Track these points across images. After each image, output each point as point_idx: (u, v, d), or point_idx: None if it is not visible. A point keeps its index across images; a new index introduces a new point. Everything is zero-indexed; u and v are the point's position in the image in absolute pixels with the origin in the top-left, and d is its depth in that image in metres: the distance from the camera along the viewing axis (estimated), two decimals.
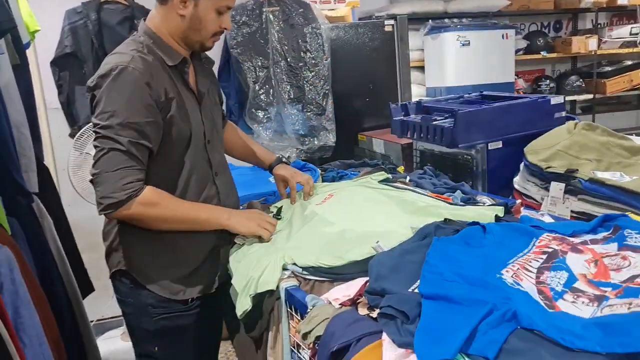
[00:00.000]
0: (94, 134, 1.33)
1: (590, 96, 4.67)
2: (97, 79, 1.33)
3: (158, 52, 1.41)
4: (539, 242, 1.04)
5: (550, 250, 1.00)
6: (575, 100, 4.73)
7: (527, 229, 1.11)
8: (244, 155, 1.87)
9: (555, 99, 2.05)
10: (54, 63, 2.64)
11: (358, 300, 1.04)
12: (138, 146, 1.31)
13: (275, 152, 2.68)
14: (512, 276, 0.94)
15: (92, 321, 3.05)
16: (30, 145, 1.72)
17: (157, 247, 1.45)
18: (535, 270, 0.95)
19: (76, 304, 1.89)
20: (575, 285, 0.89)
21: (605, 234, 1.05)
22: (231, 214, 1.46)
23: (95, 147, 1.31)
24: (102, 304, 2.59)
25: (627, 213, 1.07)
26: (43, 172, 1.88)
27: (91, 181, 1.33)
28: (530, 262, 0.99)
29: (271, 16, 2.80)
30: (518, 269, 0.96)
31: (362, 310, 1.01)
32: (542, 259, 0.99)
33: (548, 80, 4.64)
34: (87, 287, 2.11)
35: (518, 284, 0.92)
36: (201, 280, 1.51)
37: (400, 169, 2.19)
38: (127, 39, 1.47)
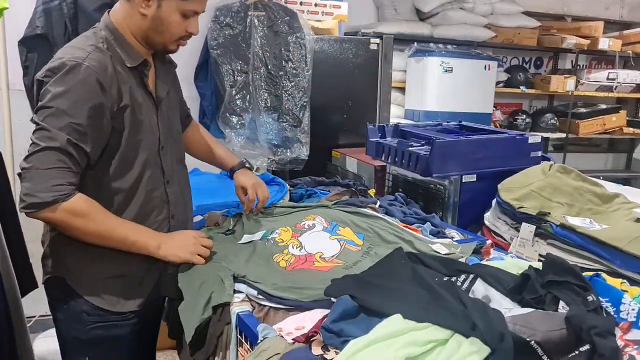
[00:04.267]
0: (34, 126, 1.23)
1: (563, 135, 4.74)
2: (46, 72, 1.24)
3: (118, 50, 1.33)
4: None
5: None
6: (548, 138, 4.79)
7: None
8: (206, 156, 1.79)
9: (533, 138, 2.04)
10: (22, 43, 2.50)
11: (312, 338, 0.96)
12: (77, 148, 1.22)
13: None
14: None
15: (34, 317, 2.91)
16: None
17: (94, 257, 1.35)
18: None
19: (13, 301, 1.76)
20: None
21: None
22: (162, 241, 1.35)
23: (32, 141, 1.22)
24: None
25: (599, 272, 1.03)
26: None
27: (19, 175, 1.22)
28: None
29: (256, 21, 2.73)
30: None
31: (316, 350, 0.94)
32: None
33: (524, 115, 4.68)
34: (30, 284, 1.98)
35: None
36: (141, 293, 1.42)
37: (372, 191, 2.14)
38: (87, 30, 1.36)
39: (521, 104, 5.07)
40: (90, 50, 1.27)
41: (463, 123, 2.41)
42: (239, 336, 1.15)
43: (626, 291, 1.00)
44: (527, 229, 1.66)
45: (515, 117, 4.69)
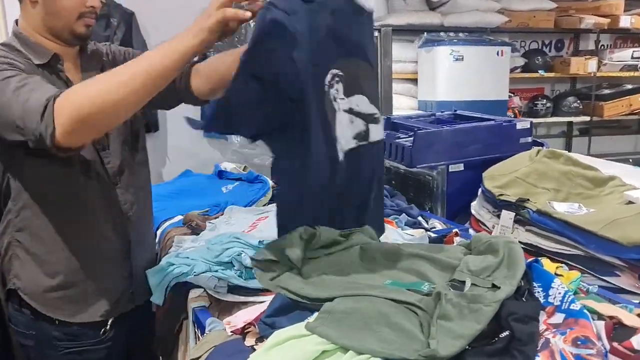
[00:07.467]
0: None
1: (588, 118, 4.59)
2: None
3: (24, 51, 1.24)
4: None
5: None
6: (572, 122, 4.65)
7: None
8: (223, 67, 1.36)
9: (522, 124, 2.00)
10: None
11: (247, 330, 0.99)
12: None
13: (247, 158, 2.65)
14: None
15: None
16: None
17: (46, 266, 1.29)
18: None
19: None
20: None
21: None
22: (188, 32, 1.03)
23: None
24: None
25: (538, 259, 1.01)
26: None
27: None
28: None
29: None
30: None
31: (249, 341, 0.96)
32: None
33: (545, 100, 4.56)
34: None
35: None
36: (107, 298, 1.33)
37: None
38: None
39: (543, 89, 4.93)
40: None
41: (458, 112, 2.38)
42: (196, 330, 1.18)
43: (561, 275, 0.98)
44: (507, 216, 1.64)
45: (535, 102, 4.57)
